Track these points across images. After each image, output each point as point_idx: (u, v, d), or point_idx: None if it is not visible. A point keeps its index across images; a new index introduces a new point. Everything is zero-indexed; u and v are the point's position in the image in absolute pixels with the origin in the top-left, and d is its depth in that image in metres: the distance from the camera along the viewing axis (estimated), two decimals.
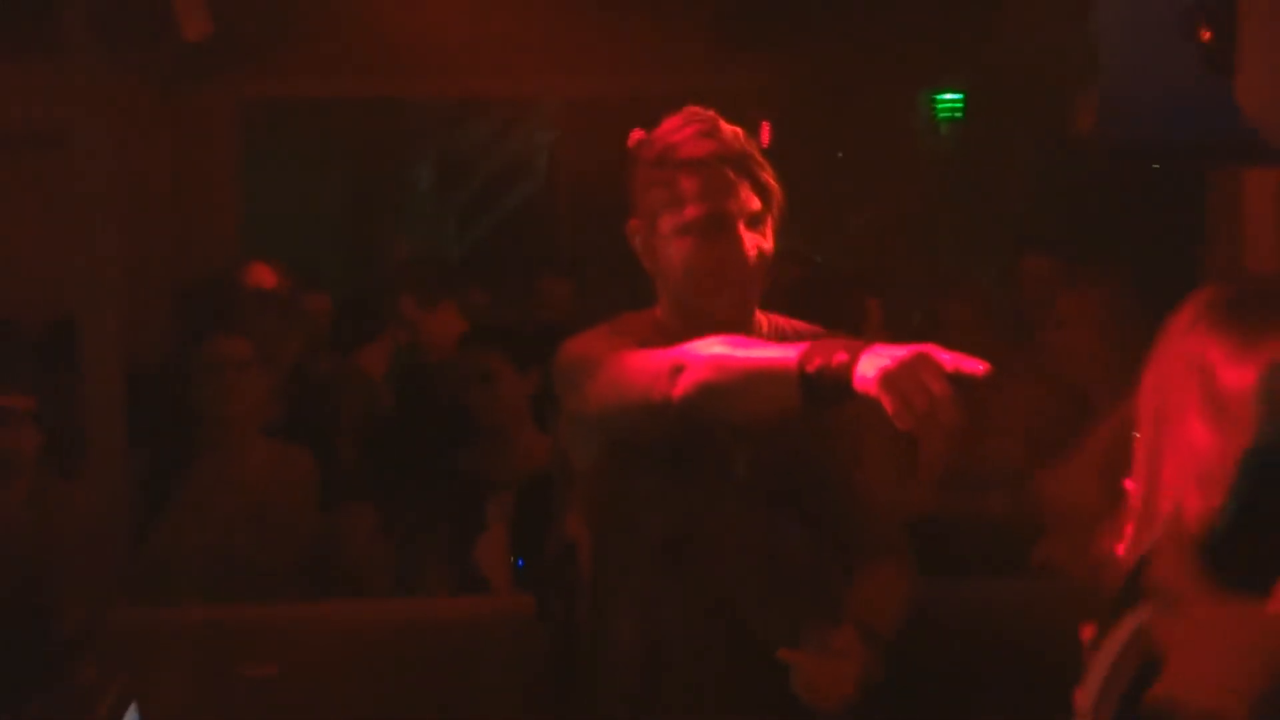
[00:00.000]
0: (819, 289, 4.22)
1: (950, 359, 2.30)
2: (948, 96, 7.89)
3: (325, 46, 6.82)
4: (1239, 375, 1.82)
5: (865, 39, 6.88)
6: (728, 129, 2.84)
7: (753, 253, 2.82)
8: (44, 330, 5.95)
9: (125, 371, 4.36)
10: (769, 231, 2.86)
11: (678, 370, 2.57)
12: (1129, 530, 1.92)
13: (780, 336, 2.83)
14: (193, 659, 3.20)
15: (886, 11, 6.50)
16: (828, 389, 2.38)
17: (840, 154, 8.02)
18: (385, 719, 3.13)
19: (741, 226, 2.81)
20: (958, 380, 2.30)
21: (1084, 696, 1.09)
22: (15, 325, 6.40)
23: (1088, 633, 2.04)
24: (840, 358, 2.36)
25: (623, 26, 6.70)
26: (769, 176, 2.86)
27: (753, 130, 2.91)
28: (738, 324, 2.79)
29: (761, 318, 2.95)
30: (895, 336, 2.52)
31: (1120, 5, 4.51)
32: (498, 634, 3.75)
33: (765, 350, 2.54)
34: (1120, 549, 1.94)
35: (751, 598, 2.88)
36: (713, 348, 2.58)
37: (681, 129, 2.84)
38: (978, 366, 2.30)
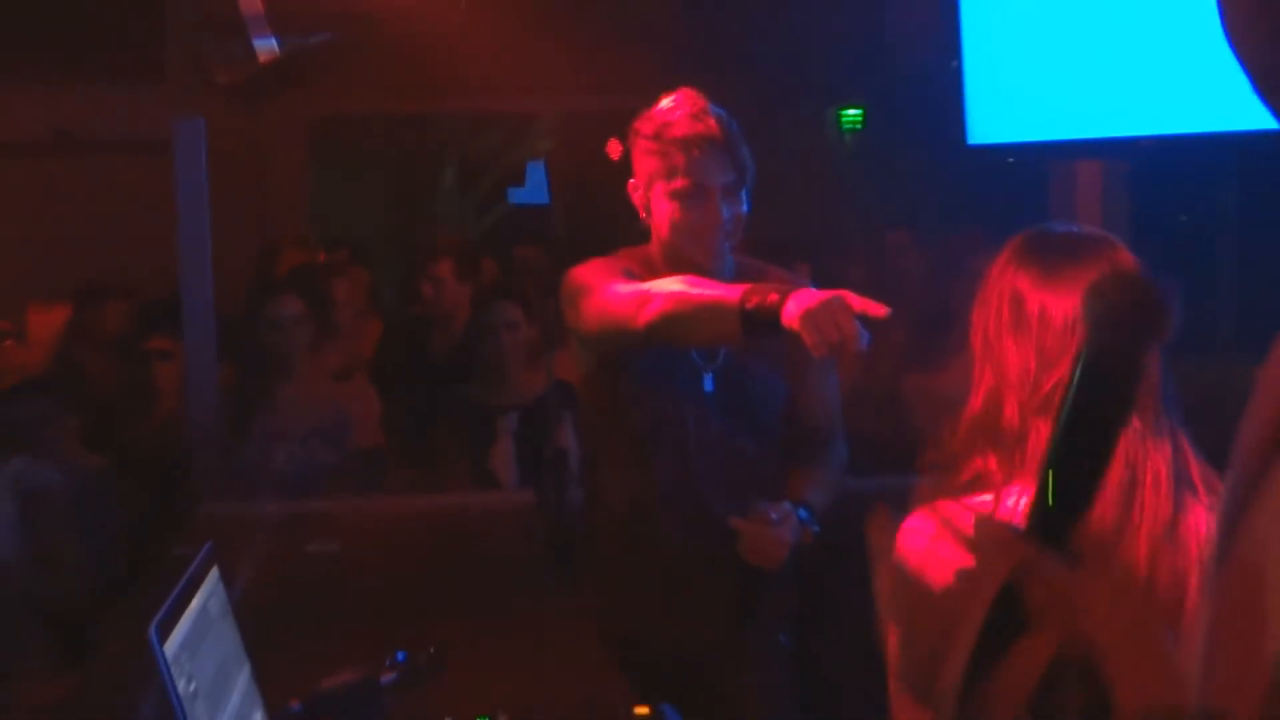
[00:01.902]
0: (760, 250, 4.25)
1: (858, 301, 2.29)
2: (850, 111, 7.85)
3: (371, 74, 6.74)
4: (1040, 301, 1.83)
5: (785, 65, 6.85)
6: (713, 113, 2.80)
7: (726, 217, 2.79)
8: (156, 299, 5.93)
9: (216, 328, 4.33)
10: (741, 199, 2.83)
11: (645, 302, 2.57)
12: (964, 423, 1.92)
13: (750, 275, 2.79)
14: (268, 541, 3.18)
15: (801, 43, 6.45)
16: (761, 322, 2.37)
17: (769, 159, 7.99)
18: (419, 585, 3.10)
19: (718, 196, 2.78)
20: (863, 319, 2.30)
21: None
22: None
23: None
24: (772, 298, 2.36)
25: (602, 59, 6.67)
26: (743, 154, 2.82)
27: (729, 117, 2.88)
28: (711, 266, 2.77)
29: (738, 260, 2.92)
30: None
31: (985, 36, 4.47)
32: (506, 519, 3.75)
33: (716, 289, 2.53)
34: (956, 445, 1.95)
35: (710, 482, 2.88)
36: (674, 285, 2.57)
37: (675, 110, 2.80)
38: (879, 308, 2.29)
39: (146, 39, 4.39)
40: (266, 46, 3.70)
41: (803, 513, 2.81)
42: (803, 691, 3.11)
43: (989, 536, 1.04)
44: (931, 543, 1.83)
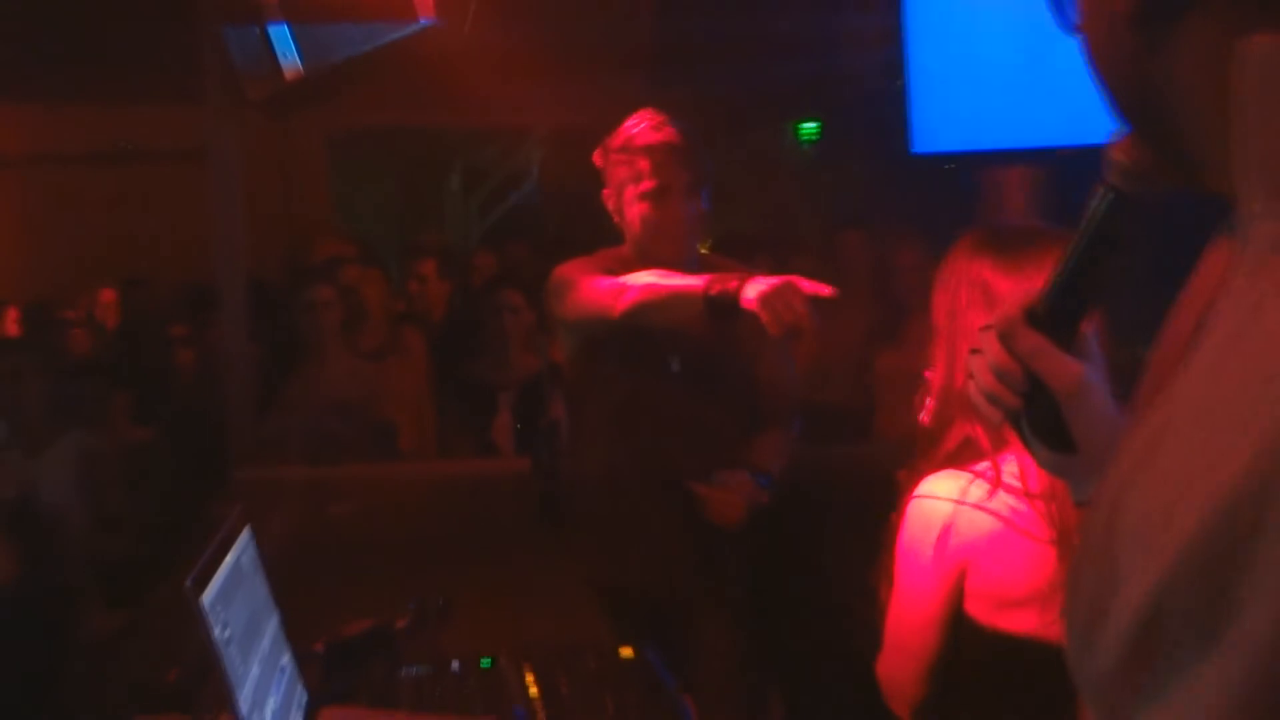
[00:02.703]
0: (728, 247, 4.25)
1: (809, 284, 2.29)
2: (808, 124, 7.82)
3: (385, 91, 6.70)
4: (1007, 284, 1.82)
5: (751, 84, 6.83)
6: (672, 123, 2.79)
7: (689, 214, 2.78)
8: (191, 290, 5.90)
9: (250, 312, 4.30)
10: (702, 197, 2.81)
11: (621, 292, 2.57)
12: (930, 404, 1.91)
13: (713, 269, 2.78)
14: (295, 503, 3.16)
15: (765, 65, 6.43)
16: (723, 306, 2.38)
17: (735, 167, 7.97)
18: (429, 541, 3.09)
19: (681, 196, 2.77)
20: (814, 300, 2.29)
21: None
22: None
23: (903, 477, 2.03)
24: (732, 284, 2.36)
25: (587, 80, 6.65)
26: (702, 157, 2.81)
27: (694, 128, 2.88)
28: (679, 262, 2.73)
29: (702, 256, 2.91)
30: None
31: (926, 60, 4.45)
32: (506, 482, 3.73)
33: (682, 279, 2.54)
34: (924, 418, 1.93)
35: (678, 451, 2.87)
36: (646, 277, 2.58)
37: (639, 123, 2.80)
38: (828, 289, 2.30)
39: (188, 63, 4.34)
40: (291, 65, 3.67)
41: (761, 479, 2.81)
42: (762, 635, 3.11)
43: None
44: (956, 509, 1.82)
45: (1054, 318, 1.09)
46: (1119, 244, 1.05)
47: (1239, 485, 0.66)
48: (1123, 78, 0.84)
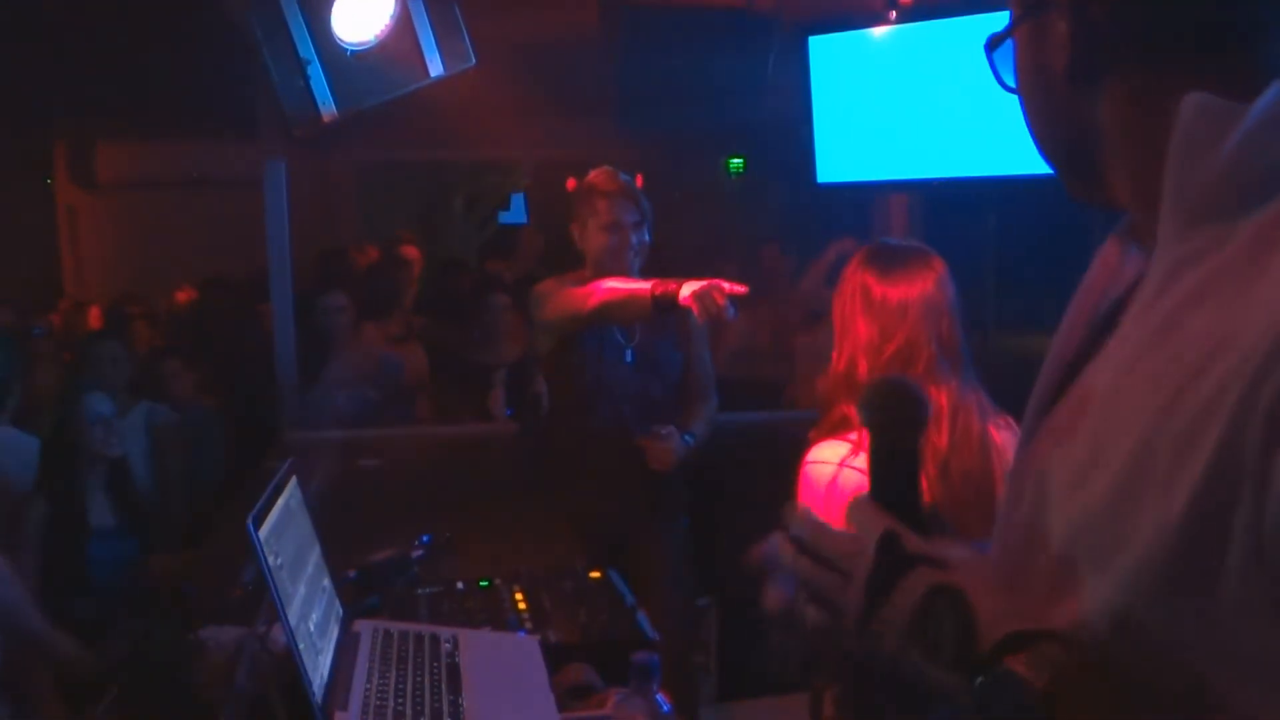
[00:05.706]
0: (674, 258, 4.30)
1: (728, 285, 2.42)
2: (735, 160, 7.82)
3: (403, 130, 6.62)
4: (883, 291, 1.84)
5: (690, 127, 6.81)
6: (622, 177, 2.92)
7: (634, 243, 2.90)
8: (249, 290, 5.81)
9: (295, 307, 4.24)
10: (644, 231, 2.93)
11: (590, 294, 2.66)
12: (829, 379, 1.93)
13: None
14: (332, 458, 3.13)
15: (702, 112, 6.41)
16: (665, 302, 2.49)
17: (678, 194, 7.95)
18: (438, 489, 3.08)
19: (628, 229, 2.88)
20: (732, 295, 2.43)
21: None
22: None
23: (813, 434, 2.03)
24: (672, 286, 2.48)
25: (564, 121, 6.62)
26: (644, 202, 2.93)
27: (633, 179, 3.01)
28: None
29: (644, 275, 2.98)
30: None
31: (828, 110, 4.43)
32: (499, 443, 3.73)
33: (635, 283, 2.66)
34: (819, 385, 1.96)
35: (630, 419, 2.93)
36: (609, 283, 2.67)
37: (599, 176, 2.91)
38: (741, 289, 2.45)
39: (248, 111, 4.27)
40: (328, 111, 3.62)
41: (688, 437, 2.91)
42: (695, 557, 3.16)
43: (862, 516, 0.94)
44: (832, 482, 1.84)
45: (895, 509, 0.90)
46: (907, 463, 0.91)
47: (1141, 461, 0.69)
48: (1055, 123, 0.85)
